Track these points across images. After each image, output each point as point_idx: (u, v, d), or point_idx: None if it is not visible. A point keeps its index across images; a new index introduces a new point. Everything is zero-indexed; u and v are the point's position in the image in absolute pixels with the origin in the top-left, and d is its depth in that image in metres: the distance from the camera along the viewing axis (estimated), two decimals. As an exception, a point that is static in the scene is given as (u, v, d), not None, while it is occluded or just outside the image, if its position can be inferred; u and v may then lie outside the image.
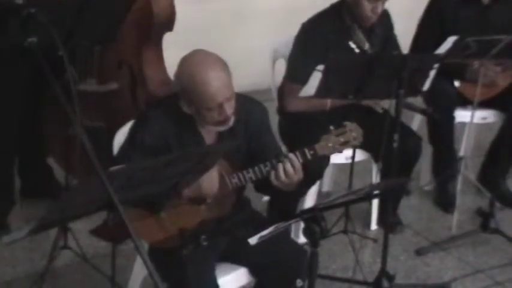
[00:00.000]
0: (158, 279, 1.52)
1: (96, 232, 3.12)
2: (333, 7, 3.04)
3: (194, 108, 2.16)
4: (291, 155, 2.18)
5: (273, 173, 2.17)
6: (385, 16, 3.13)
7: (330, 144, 2.22)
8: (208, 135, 2.25)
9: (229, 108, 2.14)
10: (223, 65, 2.15)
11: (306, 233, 1.87)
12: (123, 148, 2.24)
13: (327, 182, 3.51)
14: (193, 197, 2.18)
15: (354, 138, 2.26)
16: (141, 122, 2.24)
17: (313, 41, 2.95)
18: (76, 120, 1.70)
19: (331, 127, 2.24)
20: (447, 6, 3.30)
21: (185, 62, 2.16)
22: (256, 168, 2.19)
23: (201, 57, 2.15)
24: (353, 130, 2.26)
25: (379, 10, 2.91)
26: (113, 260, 1.99)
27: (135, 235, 1.53)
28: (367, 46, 3.00)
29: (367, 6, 2.90)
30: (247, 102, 2.29)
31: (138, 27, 3.06)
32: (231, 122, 2.19)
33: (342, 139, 2.24)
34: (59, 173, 3.31)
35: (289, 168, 2.16)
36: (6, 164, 3.07)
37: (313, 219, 1.86)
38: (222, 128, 2.20)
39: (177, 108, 2.20)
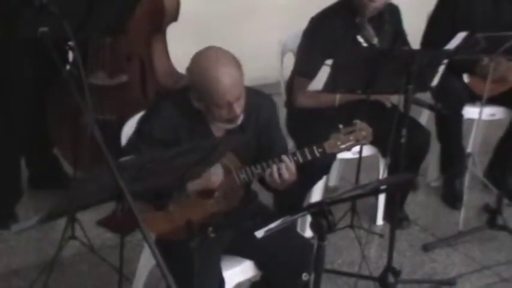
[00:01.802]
0: (165, 269, 1.53)
1: (103, 223, 3.13)
2: (341, 2, 3.02)
3: (203, 104, 2.16)
4: (284, 157, 2.19)
5: (267, 172, 2.18)
6: (395, 11, 3.12)
7: (339, 143, 2.23)
8: (218, 130, 2.24)
9: (238, 108, 2.14)
10: (236, 64, 2.14)
11: (313, 226, 1.87)
12: (131, 139, 2.24)
13: (333, 176, 3.51)
14: (198, 190, 2.18)
15: (364, 137, 2.26)
16: (151, 113, 2.24)
17: (322, 36, 2.94)
18: (87, 110, 1.71)
19: (341, 126, 2.24)
20: (459, 1, 3.29)
21: (198, 57, 2.15)
22: (264, 163, 2.19)
23: (215, 53, 2.15)
24: (363, 129, 2.26)
25: None
26: (121, 251, 2.00)
27: (144, 225, 1.54)
28: (375, 41, 2.99)
29: None
30: (257, 97, 2.28)
31: (149, 19, 3.07)
32: (239, 121, 2.19)
33: (351, 137, 2.24)
34: (66, 164, 3.32)
35: (283, 170, 2.17)
36: (13, 155, 3.08)
37: (321, 213, 1.86)
38: (229, 126, 2.20)
39: (187, 101, 2.20)
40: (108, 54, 3.05)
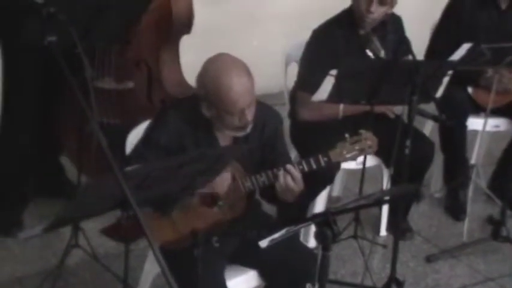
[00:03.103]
0: (170, 277, 1.52)
1: (106, 231, 3.12)
2: (343, 13, 3.03)
3: (215, 112, 2.16)
4: (289, 167, 2.18)
5: (277, 184, 2.18)
6: (397, 22, 3.13)
7: (345, 152, 2.23)
8: (224, 139, 2.25)
9: (250, 114, 2.15)
10: (247, 71, 2.15)
11: (318, 236, 1.87)
12: (137, 147, 2.24)
13: (337, 187, 3.50)
14: (205, 195, 2.18)
15: (369, 147, 2.27)
16: (159, 122, 2.24)
17: (324, 48, 2.94)
18: (92, 117, 1.71)
19: (346, 135, 2.24)
20: (464, 11, 3.29)
21: (210, 65, 2.16)
22: (269, 172, 2.19)
23: (227, 61, 2.16)
24: (368, 138, 2.26)
25: (373, 10, 2.87)
26: (126, 259, 2.00)
27: (149, 233, 1.54)
28: (382, 53, 3.00)
29: (362, 5, 2.88)
30: (264, 110, 2.29)
31: (157, 27, 3.08)
32: (249, 129, 2.19)
33: (356, 147, 2.25)
34: (70, 172, 3.32)
35: (289, 180, 2.17)
36: (20, 162, 3.08)
37: (326, 223, 1.85)
38: (239, 134, 2.21)
39: (195, 110, 2.20)
40: (115, 60, 3.06)
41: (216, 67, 2.14)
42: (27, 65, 2.82)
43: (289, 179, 2.17)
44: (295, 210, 2.90)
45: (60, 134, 3.20)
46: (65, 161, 3.36)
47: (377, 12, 2.89)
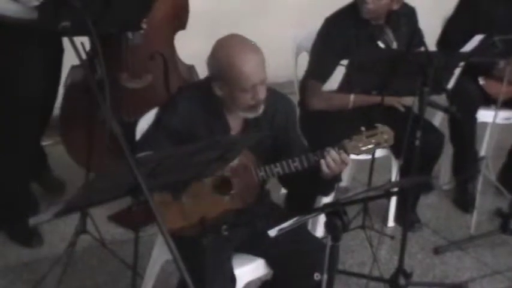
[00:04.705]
0: (181, 263, 1.52)
1: (114, 218, 3.14)
2: (356, 2, 3.01)
3: (227, 90, 2.17)
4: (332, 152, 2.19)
5: (323, 163, 2.18)
6: (411, 13, 3.11)
7: (361, 145, 2.22)
8: (235, 122, 2.25)
9: (262, 92, 2.16)
10: (258, 48, 2.19)
11: (328, 227, 1.87)
12: (149, 130, 2.25)
13: (345, 177, 3.49)
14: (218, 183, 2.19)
15: (385, 141, 2.25)
16: (169, 104, 2.25)
17: (335, 37, 2.93)
18: (106, 107, 1.70)
19: (363, 128, 2.23)
20: (482, 4, 3.26)
21: (222, 44, 2.19)
22: (284, 162, 2.19)
23: (238, 40, 2.20)
24: (384, 132, 2.25)
25: (368, 0, 2.86)
26: (136, 247, 1.99)
27: (160, 219, 1.54)
28: (394, 45, 2.98)
29: None
30: (275, 97, 2.29)
31: (174, 17, 3.08)
32: (261, 110, 2.20)
33: (372, 140, 2.23)
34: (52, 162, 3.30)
35: (335, 160, 2.18)
36: (22, 168, 2.96)
37: (336, 213, 1.85)
38: (251, 115, 2.21)
39: (207, 92, 2.21)
40: (133, 55, 3.00)
41: (228, 45, 2.18)
42: (33, 49, 2.76)
43: (331, 162, 2.17)
44: (306, 198, 2.90)
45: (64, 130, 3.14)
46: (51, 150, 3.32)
47: (374, 3, 2.87)
